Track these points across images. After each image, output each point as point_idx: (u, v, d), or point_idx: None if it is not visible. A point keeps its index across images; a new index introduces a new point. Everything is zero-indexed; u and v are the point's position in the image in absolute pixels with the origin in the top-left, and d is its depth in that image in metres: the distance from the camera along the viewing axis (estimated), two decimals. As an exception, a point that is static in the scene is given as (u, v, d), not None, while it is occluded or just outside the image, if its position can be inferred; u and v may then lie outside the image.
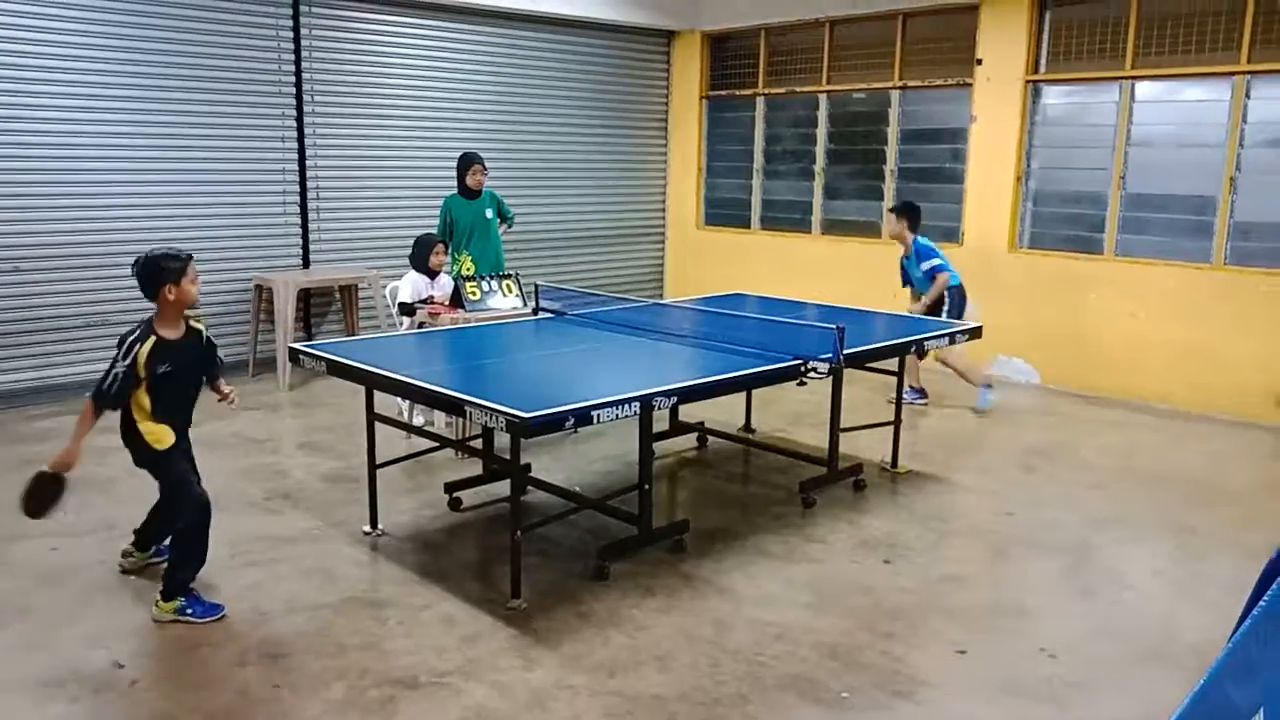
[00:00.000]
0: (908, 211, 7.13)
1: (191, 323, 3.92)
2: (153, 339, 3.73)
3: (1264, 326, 6.82)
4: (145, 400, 3.80)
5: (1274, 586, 2.09)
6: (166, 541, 4.18)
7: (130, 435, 3.85)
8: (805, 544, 4.67)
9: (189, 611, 3.80)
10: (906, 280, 7.27)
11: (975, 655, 3.66)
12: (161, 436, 3.84)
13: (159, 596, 3.83)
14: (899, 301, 7.29)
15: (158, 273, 3.73)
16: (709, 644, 3.69)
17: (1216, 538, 4.82)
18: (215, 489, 4.12)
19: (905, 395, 7.30)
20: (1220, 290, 7.04)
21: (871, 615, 3.94)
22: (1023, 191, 8.09)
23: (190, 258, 3.82)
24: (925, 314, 6.80)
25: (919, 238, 7.10)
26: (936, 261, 6.96)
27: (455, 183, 7.03)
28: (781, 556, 4.52)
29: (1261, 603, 2.03)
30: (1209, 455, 6.21)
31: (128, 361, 3.69)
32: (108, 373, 3.71)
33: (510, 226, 7.40)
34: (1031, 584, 4.32)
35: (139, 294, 3.81)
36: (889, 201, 8.71)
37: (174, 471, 3.87)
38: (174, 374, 3.80)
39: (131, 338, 3.74)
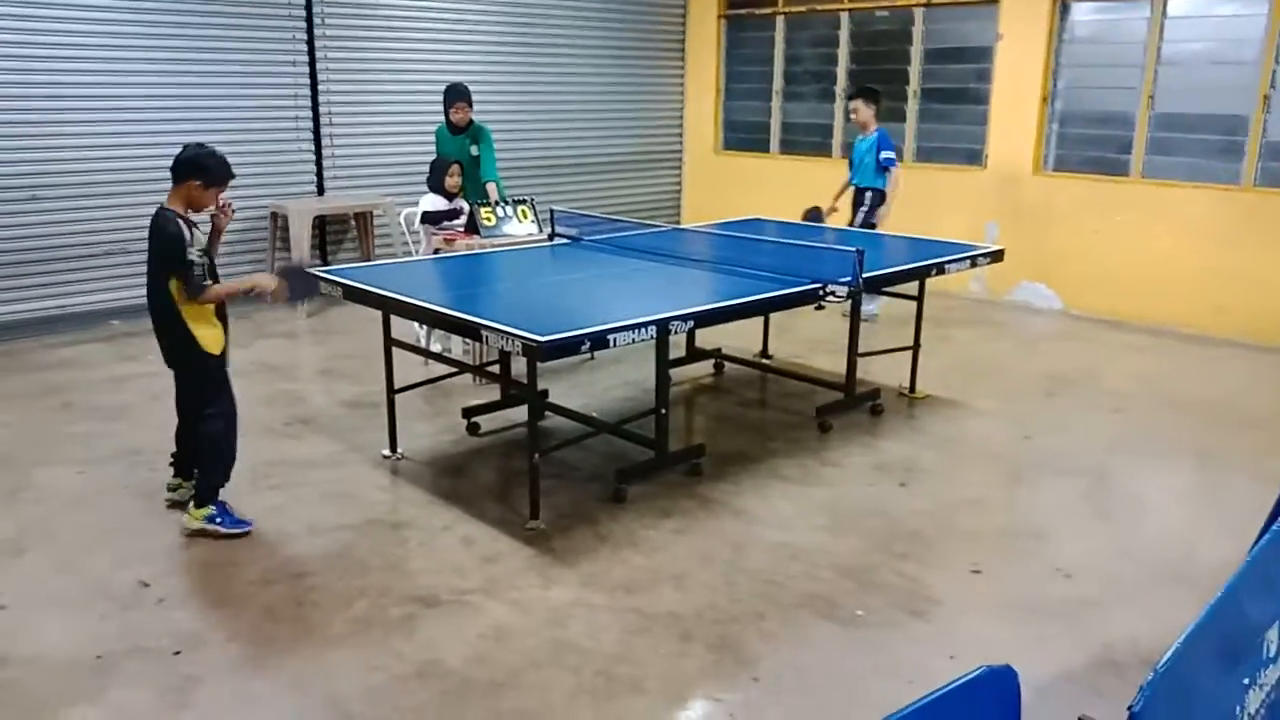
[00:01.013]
0: (877, 97, 7.40)
1: None
2: (184, 223, 3.68)
3: (1293, 249, 6.69)
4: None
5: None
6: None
7: (179, 341, 3.76)
8: (821, 467, 4.68)
9: (218, 521, 3.87)
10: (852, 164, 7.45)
11: (990, 575, 3.68)
12: (214, 340, 3.81)
13: (191, 504, 3.90)
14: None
15: (201, 170, 3.70)
16: (725, 564, 3.72)
17: (1238, 462, 4.79)
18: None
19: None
20: (1249, 212, 6.88)
21: (887, 537, 3.96)
22: (1048, 112, 7.89)
23: (231, 177, 3.82)
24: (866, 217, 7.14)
25: (881, 126, 7.34)
26: (894, 155, 7.21)
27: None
28: (797, 480, 4.53)
29: (1281, 519, 2.02)
30: (1232, 380, 6.15)
31: (195, 247, 3.63)
32: (189, 266, 3.61)
33: (498, 187, 6.74)
34: (1049, 507, 4.33)
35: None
36: (912, 124, 8.58)
37: (220, 377, 3.89)
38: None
39: (173, 226, 3.64)
